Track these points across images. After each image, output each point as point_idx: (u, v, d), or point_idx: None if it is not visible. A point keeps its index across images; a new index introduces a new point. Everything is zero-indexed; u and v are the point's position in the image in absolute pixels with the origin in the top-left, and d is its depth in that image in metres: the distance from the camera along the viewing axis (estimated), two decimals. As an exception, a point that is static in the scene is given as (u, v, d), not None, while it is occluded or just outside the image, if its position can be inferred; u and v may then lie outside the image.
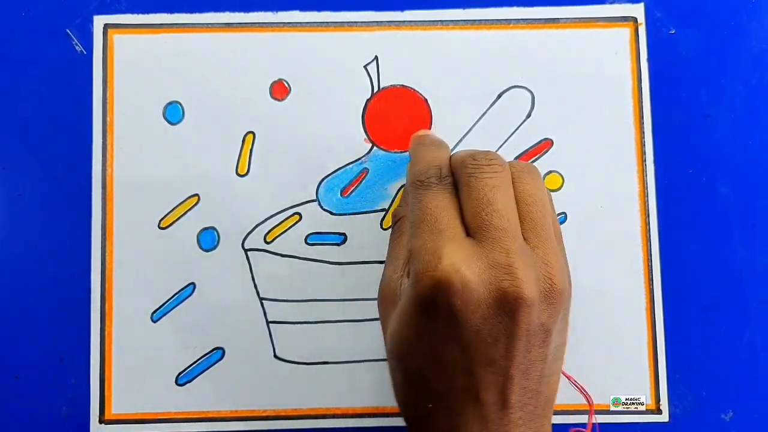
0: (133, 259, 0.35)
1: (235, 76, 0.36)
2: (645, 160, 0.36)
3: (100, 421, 0.35)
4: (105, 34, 0.36)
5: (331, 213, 0.36)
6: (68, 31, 0.36)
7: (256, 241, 0.36)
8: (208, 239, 0.36)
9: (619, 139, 0.36)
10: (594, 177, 0.36)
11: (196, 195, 0.36)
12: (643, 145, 0.36)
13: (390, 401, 0.35)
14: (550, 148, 0.36)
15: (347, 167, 0.36)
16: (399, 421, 0.35)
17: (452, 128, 0.36)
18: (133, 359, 0.35)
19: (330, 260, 0.36)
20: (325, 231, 0.36)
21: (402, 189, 0.36)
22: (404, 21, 0.37)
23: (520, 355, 0.26)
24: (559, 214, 0.36)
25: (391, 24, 0.37)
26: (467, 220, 0.28)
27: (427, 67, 0.36)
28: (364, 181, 0.36)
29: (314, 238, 0.36)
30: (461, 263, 0.26)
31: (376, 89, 0.36)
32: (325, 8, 0.36)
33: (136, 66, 0.36)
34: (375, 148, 0.36)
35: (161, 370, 0.35)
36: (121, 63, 0.36)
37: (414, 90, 0.36)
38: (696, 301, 0.36)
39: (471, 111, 0.36)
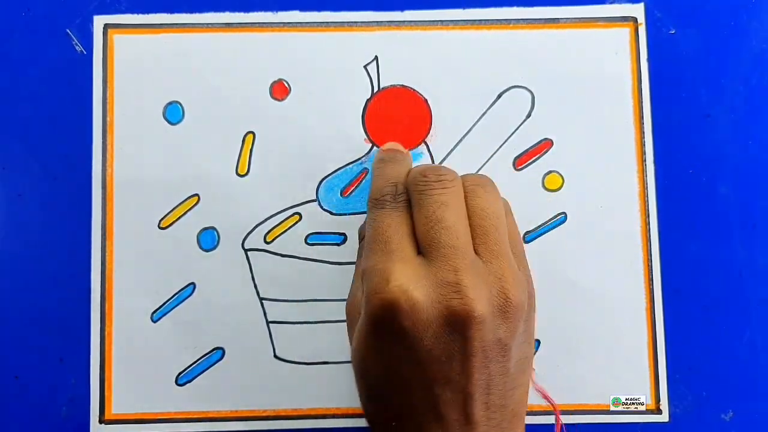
0: (133, 259, 0.35)
1: (235, 76, 0.36)
2: (645, 160, 0.36)
3: (100, 421, 0.35)
4: (105, 34, 0.36)
5: (331, 213, 0.36)
6: (68, 31, 0.36)
7: (256, 241, 0.36)
8: (208, 239, 0.36)
9: (619, 139, 0.36)
10: (594, 177, 0.36)
11: (196, 195, 0.36)
12: (643, 145, 0.36)
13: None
14: (550, 148, 0.36)
15: (347, 167, 0.36)
16: (399, 421, 0.35)
17: (452, 128, 0.36)
18: (133, 359, 0.35)
19: (330, 260, 0.36)
20: (325, 231, 0.36)
21: None
22: (404, 21, 0.37)
23: (477, 372, 0.26)
24: (559, 214, 0.36)
25: (391, 24, 0.37)
26: (418, 239, 0.28)
27: (427, 67, 0.36)
28: (364, 181, 0.36)
29: (314, 238, 0.36)
30: (409, 283, 0.26)
31: (376, 89, 0.36)
32: (325, 8, 0.36)
33: (136, 66, 0.36)
34: (375, 148, 0.36)
35: (161, 370, 0.35)
36: (121, 63, 0.36)
37: (414, 90, 0.36)
38: (696, 301, 0.36)
39: (471, 111, 0.36)
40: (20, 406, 0.35)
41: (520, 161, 0.36)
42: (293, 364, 0.35)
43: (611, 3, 0.37)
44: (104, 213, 0.36)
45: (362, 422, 0.35)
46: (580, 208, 0.36)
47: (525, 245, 0.35)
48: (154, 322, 0.35)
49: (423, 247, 0.28)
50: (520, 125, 0.36)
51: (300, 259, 0.35)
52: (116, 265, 0.35)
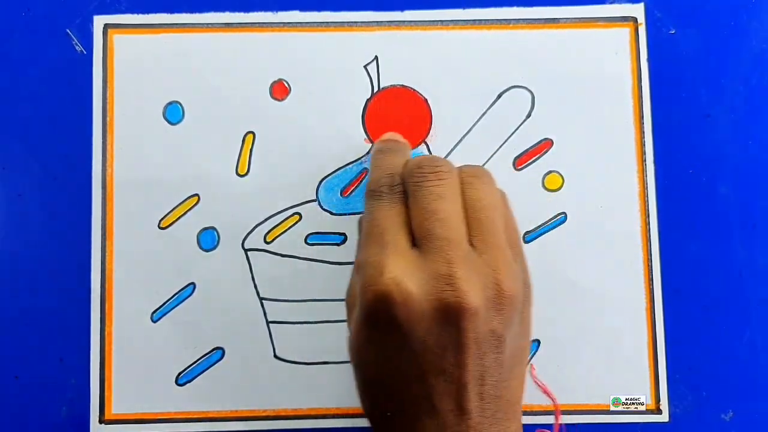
0: (133, 259, 0.35)
1: (235, 76, 0.36)
2: (645, 160, 0.36)
3: (100, 421, 0.35)
4: (105, 34, 0.36)
5: (331, 213, 0.36)
6: (68, 31, 0.36)
7: (256, 241, 0.36)
8: (208, 239, 0.36)
9: (619, 139, 0.36)
10: (594, 177, 0.36)
11: (196, 195, 0.36)
12: (643, 145, 0.36)
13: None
14: (550, 148, 0.36)
15: (347, 167, 0.36)
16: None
17: (452, 128, 0.36)
18: (133, 359, 0.35)
19: (330, 260, 0.36)
20: (325, 231, 0.36)
21: None
22: (404, 21, 0.37)
23: (471, 363, 0.26)
24: (559, 214, 0.36)
25: (391, 24, 0.37)
26: (414, 230, 0.28)
27: (427, 67, 0.36)
28: (364, 181, 0.36)
29: (314, 238, 0.36)
30: (403, 276, 0.26)
31: (376, 89, 0.36)
32: (325, 8, 0.36)
33: (136, 66, 0.36)
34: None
35: (161, 370, 0.35)
36: (121, 63, 0.36)
37: (414, 90, 0.36)
38: (696, 301, 0.36)
39: (471, 111, 0.36)
40: (20, 406, 0.35)
41: (520, 161, 0.36)
42: (293, 364, 0.35)
43: (611, 3, 0.37)
44: (104, 213, 0.36)
45: (362, 422, 0.35)
46: (580, 208, 0.36)
47: (525, 245, 0.35)
48: (154, 322, 0.35)
49: (417, 239, 0.28)
50: (520, 125, 0.36)
51: (300, 259, 0.35)
52: (116, 265, 0.35)
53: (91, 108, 0.36)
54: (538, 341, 0.36)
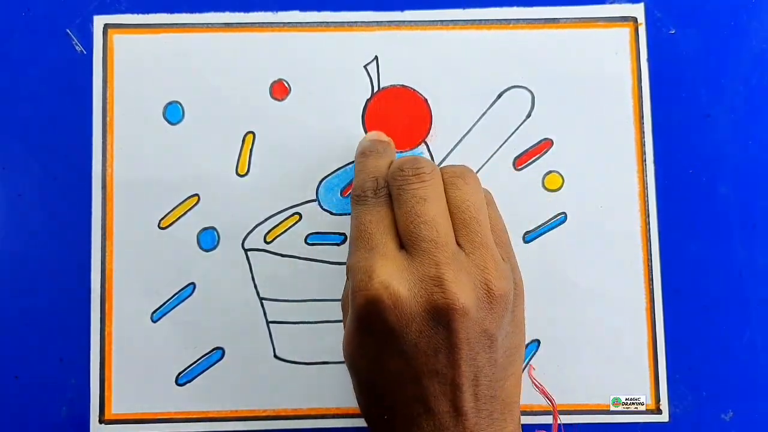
0: (133, 259, 0.35)
1: (235, 76, 0.36)
2: (645, 160, 0.36)
3: (100, 421, 0.35)
4: (105, 34, 0.36)
5: (331, 213, 0.36)
6: (68, 31, 0.36)
7: (256, 241, 0.36)
8: (208, 239, 0.36)
9: (619, 139, 0.36)
10: (594, 177, 0.36)
11: (196, 195, 0.36)
12: (643, 145, 0.36)
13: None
14: (550, 148, 0.36)
15: (347, 167, 0.36)
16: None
17: (452, 128, 0.36)
18: (133, 359, 0.35)
19: (330, 260, 0.36)
20: (325, 231, 0.36)
21: None
22: (404, 21, 0.37)
23: (464, 363, 0.26)
24: (559, 214, 0.36)
25: (391, 24, 0.37)
26: (400, 234, 0.28)
27: (427, 67, 0.36)
28: (364, 181, 0.36)
29: (314, 238, 0.36)
30: (391, 279, 0.26)
31: (376, 89, 0.36)
32: (325, 8, 0.36)
33: (136, 66, 0.36)
34: (375, 148, 0.36)
35: (161, 370, 0.35)
36: (121, 63, 0.36)
37: (414, 90, 0.36)
38: (696, 301, 0.36)
39: (471, 111, 0.36)
40: (20, 406, 0.35)
41: (520, 161, 0.36)
42: (293, 364, 0.35)
43: (611, 3, 0.37)
44: (104, 213, 0.36)
45: (362, 422, 0.35)
46: (580, 208, 0.36)
47: (525, 245, 0.36)
48: (154, 322, 0.35)
49: (405, 242, 0.28)
50: (520, 125, 0.36)
51: (300, 259, 0.35)
52: (116, 265, 0.35)
53: (91, 108, 0.36)
54: (538, 341, 0.36)
